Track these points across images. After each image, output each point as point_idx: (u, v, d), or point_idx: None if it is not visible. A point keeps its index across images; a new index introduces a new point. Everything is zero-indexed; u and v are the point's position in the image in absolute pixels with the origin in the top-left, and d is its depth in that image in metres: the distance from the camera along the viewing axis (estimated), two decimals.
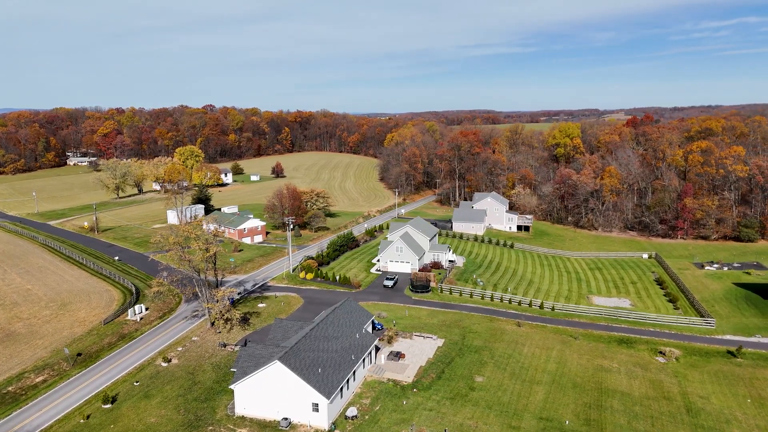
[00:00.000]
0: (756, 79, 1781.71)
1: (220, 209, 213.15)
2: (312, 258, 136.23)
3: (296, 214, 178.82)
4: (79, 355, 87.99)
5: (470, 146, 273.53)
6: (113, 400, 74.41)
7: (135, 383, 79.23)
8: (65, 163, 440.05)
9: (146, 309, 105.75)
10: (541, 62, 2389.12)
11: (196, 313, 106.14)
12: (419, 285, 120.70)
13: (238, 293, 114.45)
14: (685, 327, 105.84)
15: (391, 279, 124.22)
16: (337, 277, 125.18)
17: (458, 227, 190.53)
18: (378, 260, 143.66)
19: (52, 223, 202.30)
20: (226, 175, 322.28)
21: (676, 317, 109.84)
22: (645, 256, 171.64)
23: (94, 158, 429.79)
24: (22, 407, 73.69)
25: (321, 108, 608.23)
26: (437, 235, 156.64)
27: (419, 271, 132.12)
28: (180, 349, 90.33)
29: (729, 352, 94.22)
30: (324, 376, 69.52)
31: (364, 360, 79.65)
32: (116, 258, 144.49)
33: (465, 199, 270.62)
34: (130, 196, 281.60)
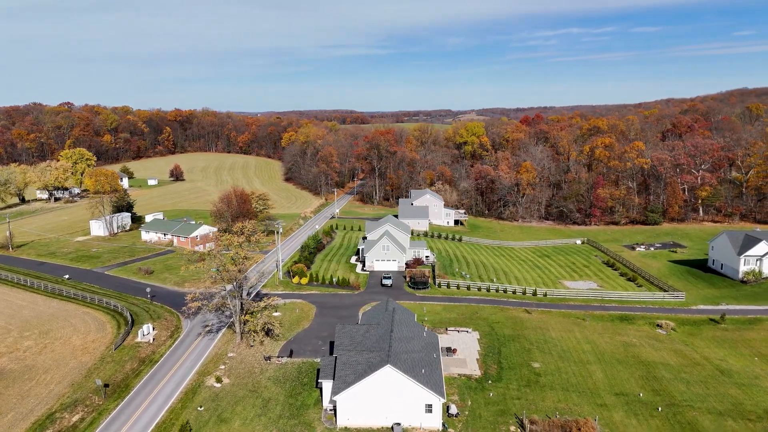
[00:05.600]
0: (579, 83, 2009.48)
1: (143, 217, 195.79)
2: (299, 262, 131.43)
3: (247, 218, 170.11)
4: (106, 385, 77.64)
5: (388, 144, 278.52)
6: (190, 429, 67.19)
7: (199, 408, 72.05)
8: None
9: (153, 329, 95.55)
10: (398, 64, 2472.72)
11: (208, 327, 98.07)
12: (420, 282, 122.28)
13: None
14: (663, 302, 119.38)
15: (388, 278, 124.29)
16: (335, 280, 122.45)
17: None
18: (356, 260, 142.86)
19: None
20: (121, 179, 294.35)
21: (651, 294, 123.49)
22: (578, 242, 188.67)
23: None
24: None
25: (204, 106, 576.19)
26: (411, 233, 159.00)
27: (406, 268, 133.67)
28: (222, 367, 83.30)
29: (711, 320, 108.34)
30: (427, 376, 69.06)
31: None
32: (66, 277, 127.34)
33: (386, 198, 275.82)
34: (11, 206, 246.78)
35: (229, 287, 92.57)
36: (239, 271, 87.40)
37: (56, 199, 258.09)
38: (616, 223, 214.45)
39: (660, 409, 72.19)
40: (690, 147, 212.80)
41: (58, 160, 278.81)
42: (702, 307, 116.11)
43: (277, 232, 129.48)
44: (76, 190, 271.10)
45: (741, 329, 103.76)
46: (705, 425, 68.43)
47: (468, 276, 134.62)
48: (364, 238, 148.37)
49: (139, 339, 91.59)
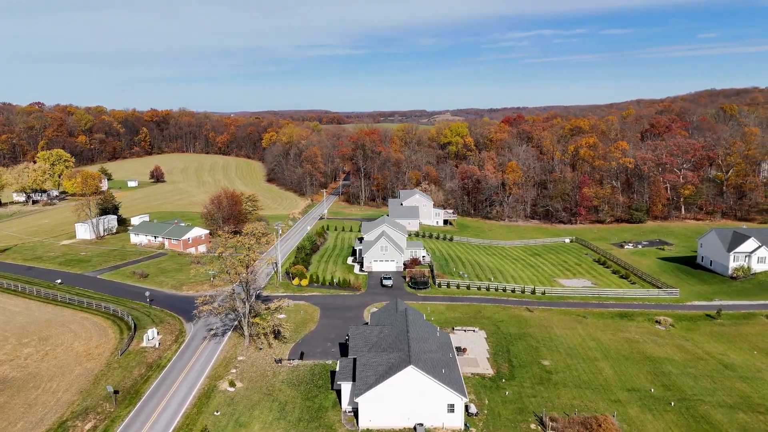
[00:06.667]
0: (552, 84, 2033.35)
1: (128, 220, 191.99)
2: (296, 263, 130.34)
3: (238, 219, 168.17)
4: (116, 392, 75.85)
5: (373, 145, 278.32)
6: None
7: (215, 413, 70.98)
8: None
9: (158, 333, 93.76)
10: (373, 65, 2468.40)
11: (213, 331, 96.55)
12: (420, 282, 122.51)
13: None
14: (658, 298, 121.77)
15: (388, 278, 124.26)
16: (335, 281, 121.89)
17: None
18: (353, 260, 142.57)
19: None
20: (101, 181, 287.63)
21: (646, 290, 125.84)
22: (567, 240, 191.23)
23: None
24: None
25: (180, 106, 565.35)
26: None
27: (404, 268, 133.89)
28: (234, 371, 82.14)
29: (707, 315, 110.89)
30: (448, 375, 69.21)
31: None
32: (58, 281, 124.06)
33: (372, 198, 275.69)
34: None
35: (230, 289, 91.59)
36: (250, 273, 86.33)
37: (34, 202, 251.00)
38: (602, 222, 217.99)
39: (672, 403, 73.68)
40: (672, 146, 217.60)
41: (35, 162, 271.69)
42: (696, 303, 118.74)
43: (277, 234, 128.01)
44: (55, 193, 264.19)
45: (737, 324, 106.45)
46: (718, 419, 70.07)
47: (466, 276, 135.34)
48: (360, 239, 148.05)
49: (144, 344, 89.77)
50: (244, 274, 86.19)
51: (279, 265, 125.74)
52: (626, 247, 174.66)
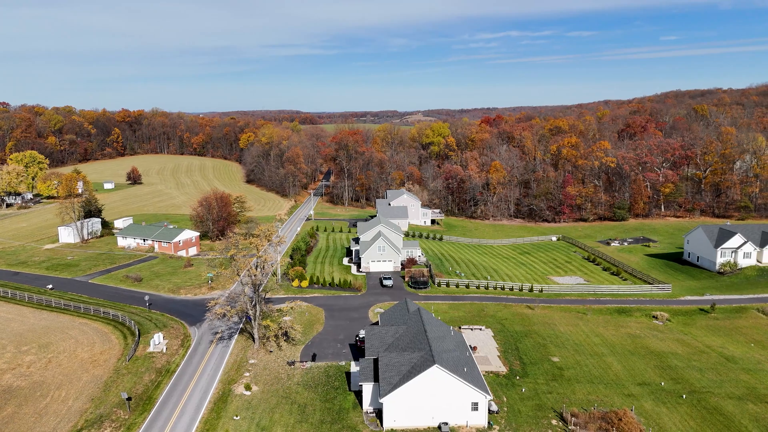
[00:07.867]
0: (520, 85, 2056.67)
1: (111, 223, 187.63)
2: (294, 265, 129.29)
3: (228, 221, 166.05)
4: (129, 399, 74.14)
5: (356, 145, 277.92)
6: None
7: (235, 417, 69.97)
8: None
9: (164, 338, 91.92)
10: (343, 65, 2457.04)
11: (219, 334, 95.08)
12: (420, 281, 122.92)
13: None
14: (652, 294, 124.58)
15: (388, 278, 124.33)
16: (336, 282, 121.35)
17: None
18: (349, 261, 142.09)
19: None
20: (76, 183, 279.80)
21: (639, 287, 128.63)
22: (554, 238, 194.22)
23: None
24: None
25: (153, 107, 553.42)
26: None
27: (402, 268, 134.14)
28: (247, 374, 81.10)
29: (701, 310, 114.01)
30: (469, 374, 69.62)
31: None
32: (49, 287, 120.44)
33: (356, 199, 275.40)
34: None
35: (239, 291, 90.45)
36: (263, 274, 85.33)
37: (8, 205, 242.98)
38: (585, 220, 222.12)
39: (684, 396, 75.56)
40: (652, 146, 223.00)
41: (7, 164, 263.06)
42: (689, 297, 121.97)
43: (278, 233, 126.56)
44: (29, 195, 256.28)
45: (730, 318, 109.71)
46: (729, 410, 72.12)
47: (462, 275, 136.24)
48: (356, 239, 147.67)
49: (151, 349, 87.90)
50: (256, 276, 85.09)
51: (278, 266, 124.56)
52: (612, 244, 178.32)
